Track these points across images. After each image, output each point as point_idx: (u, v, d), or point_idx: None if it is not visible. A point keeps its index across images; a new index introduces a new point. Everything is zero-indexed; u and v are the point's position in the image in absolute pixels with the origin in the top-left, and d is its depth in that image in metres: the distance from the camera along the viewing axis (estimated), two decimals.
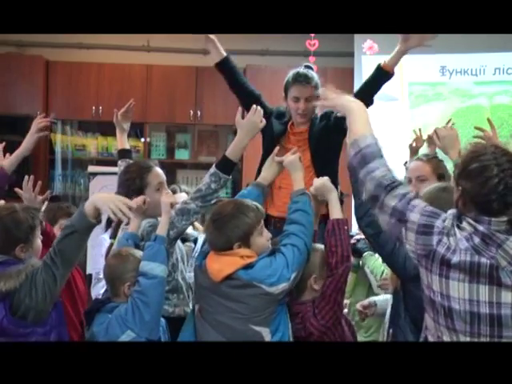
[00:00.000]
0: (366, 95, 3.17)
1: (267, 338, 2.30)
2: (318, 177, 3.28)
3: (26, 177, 3.05)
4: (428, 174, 3.03)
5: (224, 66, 3.30)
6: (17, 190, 3.03)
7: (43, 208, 3.07)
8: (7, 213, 2.41)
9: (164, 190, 2.79)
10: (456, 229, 1.83)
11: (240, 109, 2.83)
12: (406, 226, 1.88)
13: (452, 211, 1.89)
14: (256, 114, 2.78)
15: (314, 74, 3.26)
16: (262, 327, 2.30)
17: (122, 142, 3.38)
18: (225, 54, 3.28)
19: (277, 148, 2.81)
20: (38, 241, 2.49)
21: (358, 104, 2.14)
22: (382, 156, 2.01)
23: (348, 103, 2.15)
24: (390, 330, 2.57)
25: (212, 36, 3.21)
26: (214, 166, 2.76)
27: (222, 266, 2.33)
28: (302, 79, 3.20)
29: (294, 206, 2.54)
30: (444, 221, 1.86)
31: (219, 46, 3.25)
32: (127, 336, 2.33)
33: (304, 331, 2.38)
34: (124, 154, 3.34)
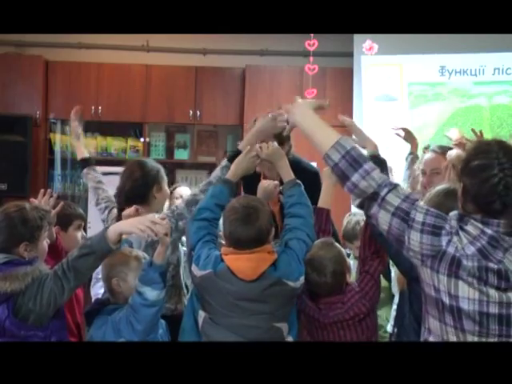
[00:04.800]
0: None
1: (286, 332, 2.33)
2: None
3: (42, 190, 2.89)
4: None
5: None
6: (32, 200, 2.85)
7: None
8: (16, 209, 2.42)
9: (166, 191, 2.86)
10: (460, 231, 1.81)
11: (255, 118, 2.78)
12: (409, 225, 1.82)
13: (454, 213, 1.87)
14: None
15: None
16: (282, 323, 2.33)
17: (82, 150, 3.28)
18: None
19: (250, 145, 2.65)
20: (44, 243, 2.48)
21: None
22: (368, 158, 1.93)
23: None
24: (395, 330, 2.57)
25: None
26: (225, 159, 2.76)
27: (256, 263, 2.28)
28: None
29: (289, 200, 2.52)
30: (450, 221, 1.84)
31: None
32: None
33: (347, 313, 2.43)
34: (87, 162, 3.25)
